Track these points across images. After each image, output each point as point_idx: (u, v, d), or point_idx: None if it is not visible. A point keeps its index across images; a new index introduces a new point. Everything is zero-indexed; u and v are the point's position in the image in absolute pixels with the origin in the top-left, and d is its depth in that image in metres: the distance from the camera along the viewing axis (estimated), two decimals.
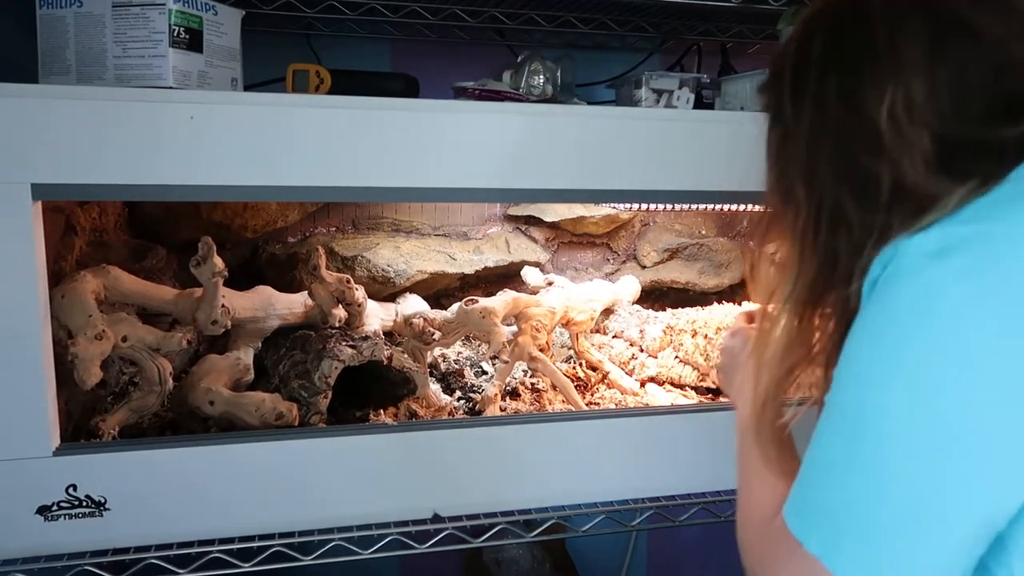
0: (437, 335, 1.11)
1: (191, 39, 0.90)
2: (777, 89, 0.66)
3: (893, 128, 0.57)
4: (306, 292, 1.11)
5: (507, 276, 1.43)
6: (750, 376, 0.69)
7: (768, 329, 0.65)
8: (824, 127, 0.62)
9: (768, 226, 0.68)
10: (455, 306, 1.15)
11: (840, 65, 0.62)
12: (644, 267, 1.53)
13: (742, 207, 1.54)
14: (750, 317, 0.87)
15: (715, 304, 1.35)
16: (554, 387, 1.16)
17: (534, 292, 1.26)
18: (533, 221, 1.46)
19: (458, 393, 1.17)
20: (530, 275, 1.32)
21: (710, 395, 1.20)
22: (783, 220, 0.65)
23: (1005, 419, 0.49)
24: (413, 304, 1.26)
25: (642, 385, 1.22)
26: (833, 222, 0.60)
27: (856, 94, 0.59)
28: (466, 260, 1.36)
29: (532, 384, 1.20)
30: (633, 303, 1.39)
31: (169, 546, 0.89)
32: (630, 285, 1.35)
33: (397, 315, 1.22)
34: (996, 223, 0.52)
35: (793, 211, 0.63)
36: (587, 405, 1.14)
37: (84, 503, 0.85)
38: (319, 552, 0.93)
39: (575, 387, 1.15)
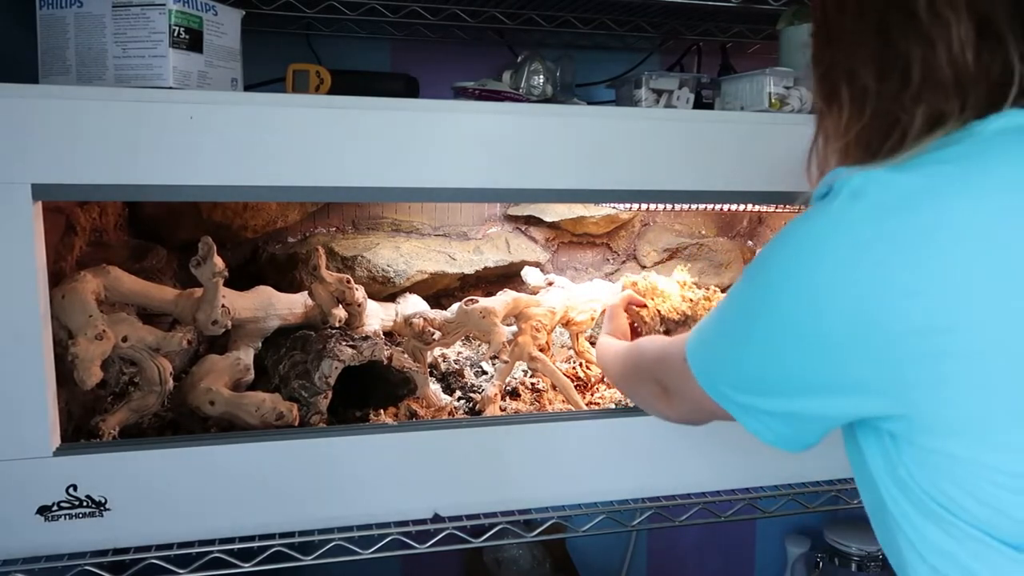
0: (437, 335, 1.11)
1: (191, 39, 0.90)
2: None
3: (929, 9, 0.58)
4: (306, 292, 1.11)
5: (507, 276, 1.43)
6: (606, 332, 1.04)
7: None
8: (865, 22, 0.63)
9: (819, 131, 0.71)
10: (455, 306, 1.15)
11: None
12: (644, 267, 1.53)
13: (742, 207, 1.55)
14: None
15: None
16: (554, 387, 1.16)
17: (534, 292, 1.26)
18: (533, 221, 1.47)
19: (458, 393, 1.17)
20: (530, 275, 1.32)
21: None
22: (831, 123, 0.67)
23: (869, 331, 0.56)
24: (413, 304, 1.26)
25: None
26: (875, 116, 0.62)
27: None
28: (466, 260, 1.37)
29: (532, 384, 1.20)
30: None
31: (169, 546, 0.89)
32: None
33: (397, 315, 1.22)
34: (918, 173, 0.56)
35: (837, 111, 0.65)
36: (587, 405, 1.14)
37: (84, 503, 0.85)
38: (319, 552, 0.94)
39: (575, 387, 1.15)
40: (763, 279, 0.63)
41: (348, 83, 1.04)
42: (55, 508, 0.84)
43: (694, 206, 1.49)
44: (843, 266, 0.56)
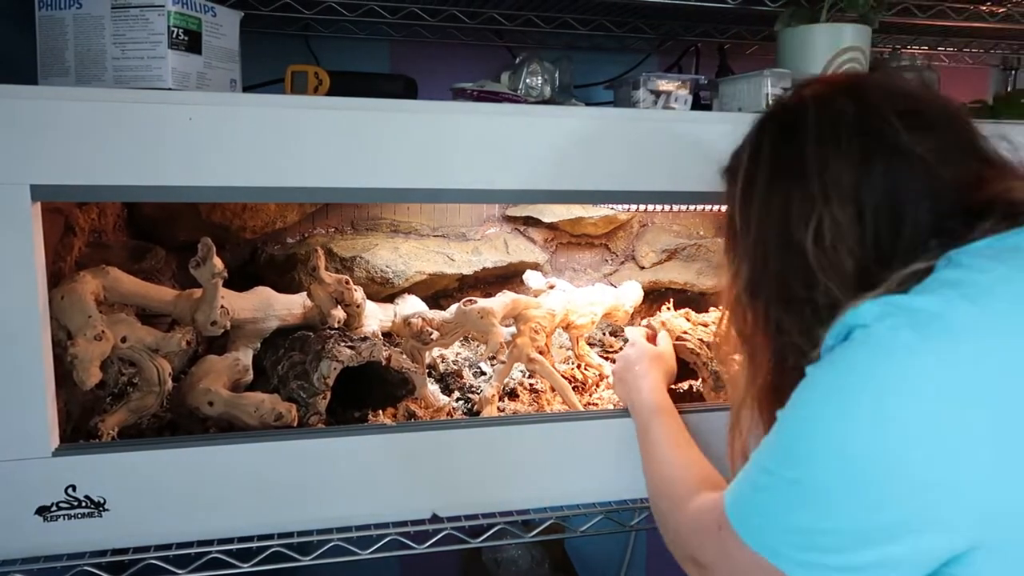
0: (435, 335, 1.11)
1: (190, 41, 0.90)
2: (731, 188, 0.72)
3: (818, 251, 0.62)
4: (305, 293, 1.12)
5: (506, 277, 1.43)
6: (651, 384, 0.95)
7: (739, 405, 0.74)
8: (764, 241, 0.67)
9: (729, 321, 0.74)
10: (454, 306, 1.15)
11: (778, 180, 0.67)
12: (642, 268, 1.53)
13: None
14: (648, 335, 1.09)
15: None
16: (552, 388, 1.16)
17: (535, 295, 1.26)
18: (531, 222, 1.47)
19: (456, 394, 1.17)
20: (532, 279, 1.32)
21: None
22: (737, 319, 0.71)
23: (943, 453, 0.53)
24: (412, 305, 1.26)
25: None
26: (778, 330, 0.66)
27: (789, 214, 0.64)
28: (464, 261, 1.37)
29: (530, 385, 1.20)
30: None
31: (168, 546, 0.89)
32: (632, 290, 1.35)
33: (396, 316, 1.22)
34: (928, 296, 0.58)
35: (741, 315, 0.69)
36: (585, 406, 1.14)
37: (83, 503, 0.85)
38: (318, 552, 0.94)
39: (573, 388, 1.15)
40: (813, 428, 0.58)
41: (346, 84, 1.04)
42: (54, 508, 0.85)
43: (692, 207, 1.49)
44: (913, 392, 0.54)
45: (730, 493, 0.65)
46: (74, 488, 0.85)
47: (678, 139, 0.96)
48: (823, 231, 0.62)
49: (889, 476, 0.54)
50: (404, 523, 0.95)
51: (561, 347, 1.33)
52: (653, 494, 0.85)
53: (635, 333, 1.09)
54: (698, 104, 1.16)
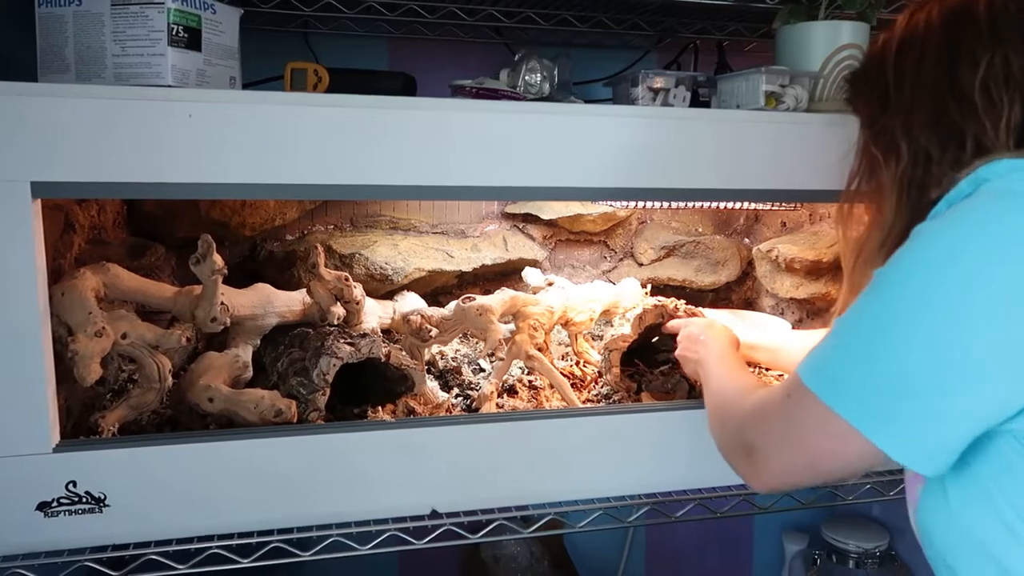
0: (434, 332, 1.11)
1: (190, 38, 0.90)
2: (887, 50, 0.74)
3: (985, 97, 0.64)
4: (304, 290, 1.12)
5: (505, 274, 1.43)
6: (716, 344, 0.97)
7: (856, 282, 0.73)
8: (923, 88, 0.69)
9: (860, 183, 0.76)
10: (452, 303, 1.16)
11: (942, 35, 0.69)
12: (641, 265, 1.54)
13: (738, 205, 1.55)
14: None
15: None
16: (551, 385, 1.17)
17: (535, 292, 1.26)
18: (530, 219, 1.47)
19: (455, 390, 1.17)
20: (531, 276, 1.32)
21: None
22: (879, 175, 0.72)
23: None
24: (411, 302, 1.26)
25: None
26: (924, 174, 0.68)
27: (955, 65, 0.66)
28: (464, 258, 1.37)
29: (529, 381, 1.20)
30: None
31: (168, 542, 0.90)
32: (632, 287, 1.35)
33: (395, 313, 1.23)
34: None
35: (894, 163, 0.71)
36: (583, 403, 1.15)
37: (84, 499, 0.85)
38: (318, 548, 0.94)
39: (571, 385, 1.15)
40: (929, 272, 0.59)
41: (346, 81, 1.04)
42: (54, 504, 0.85)
43: (691, 204, 1.50)
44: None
45: (808, 360, 0.66)
46: (75, 484, 0.85)
47: (676, 136, 0.97)
48: (990, 78, 0.64)
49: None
50: (403, 519, 0.96)
51: (560, 344, 1.34)
52: (712, 414, 0.85)
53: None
54: (696, 101, 1.16)
